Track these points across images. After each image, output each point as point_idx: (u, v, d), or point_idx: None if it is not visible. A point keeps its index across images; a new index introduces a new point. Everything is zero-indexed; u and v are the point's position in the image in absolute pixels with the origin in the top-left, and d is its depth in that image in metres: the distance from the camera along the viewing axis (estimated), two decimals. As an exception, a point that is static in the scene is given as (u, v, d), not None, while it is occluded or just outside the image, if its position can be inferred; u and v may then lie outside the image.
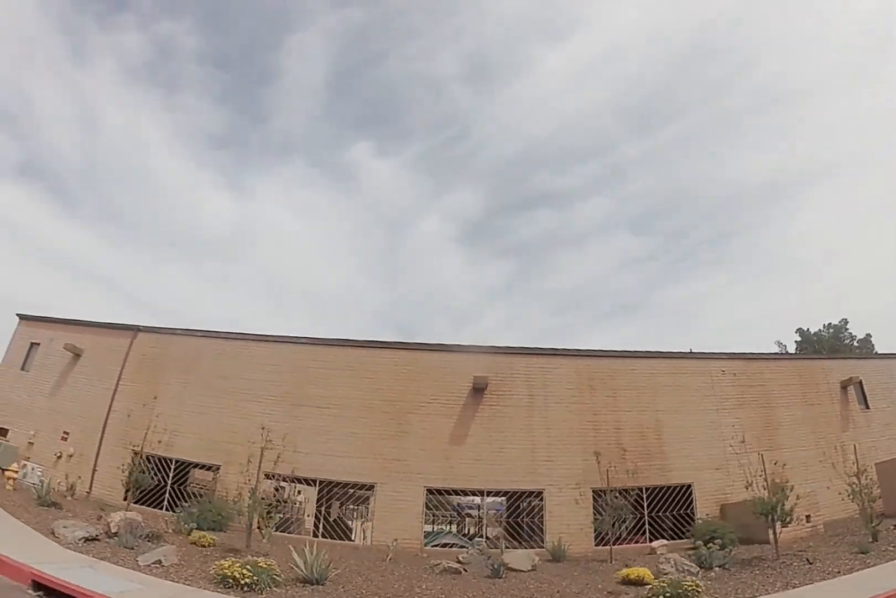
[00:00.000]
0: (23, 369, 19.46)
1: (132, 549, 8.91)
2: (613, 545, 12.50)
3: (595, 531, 14.03)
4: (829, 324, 27.26)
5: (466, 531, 22.01)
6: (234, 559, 7.90)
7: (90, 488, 16.29)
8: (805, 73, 76.47)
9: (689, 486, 15.30)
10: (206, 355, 17.45)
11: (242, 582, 7.00)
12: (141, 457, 13.72)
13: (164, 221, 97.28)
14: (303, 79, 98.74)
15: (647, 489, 15.05)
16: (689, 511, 14.98)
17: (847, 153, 74.13)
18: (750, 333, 70.41)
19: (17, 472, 14.91)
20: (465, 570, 10.28)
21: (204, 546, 10.27)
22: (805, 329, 27.47)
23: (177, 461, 16.51)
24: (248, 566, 7.28)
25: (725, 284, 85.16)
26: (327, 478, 15.59)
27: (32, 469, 16.94)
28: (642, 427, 16.03)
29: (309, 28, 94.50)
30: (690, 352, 18.83)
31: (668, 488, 15.27)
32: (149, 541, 9.78)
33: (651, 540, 14.26)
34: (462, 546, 15.26)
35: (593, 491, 14.70)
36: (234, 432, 15.96)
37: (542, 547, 13.81)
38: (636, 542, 14.33)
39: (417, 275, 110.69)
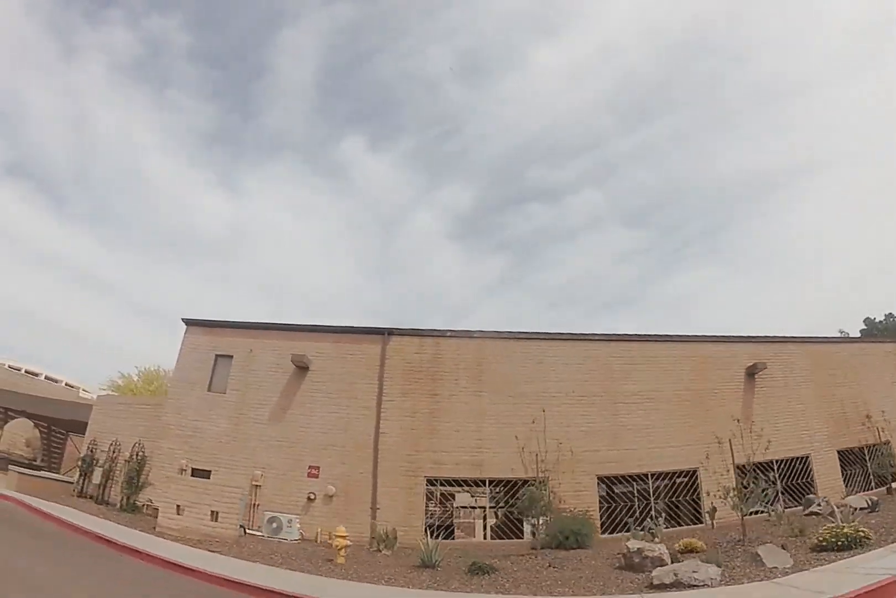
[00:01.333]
0: (211, 389, 14.69)
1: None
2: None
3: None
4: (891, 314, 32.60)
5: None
6: None
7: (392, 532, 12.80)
8: (799, 68, 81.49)
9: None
10: (495, 357, 15.09)
11: None
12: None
13: (157, 222, 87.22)
14: (294, 76, 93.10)
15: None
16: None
17: (840, 147, 79.28)
18: (751, 323, 75.88)
19: (341, 535, 10.11)
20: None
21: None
22: (872, 318, 32.60)
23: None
24: None
25: (721, 277, 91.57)
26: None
27: (290, 521, 12.89)
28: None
29: (300, 25, 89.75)
30: None
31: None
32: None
33: None
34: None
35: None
36: (558, 442, 14.06)
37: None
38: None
39: (412, 271, 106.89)
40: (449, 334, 15.39)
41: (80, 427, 17.85)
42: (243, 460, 13.89)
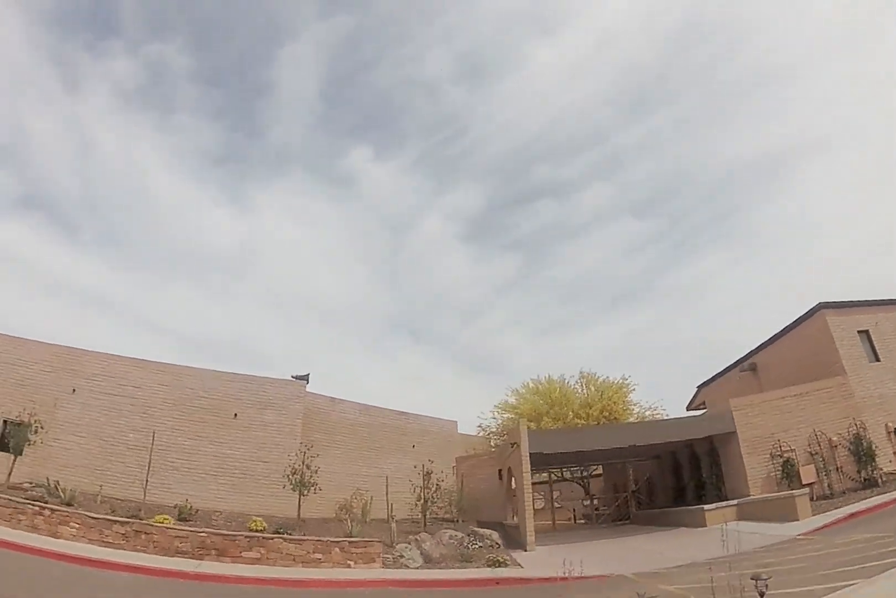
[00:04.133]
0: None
1: None
2: None
3: None
4: None
5: None
6: None
7: None
8: (796, 47, 78.08)
9: None
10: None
11: None
12: None
13: (167, 243, 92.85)
14: (296, 89, 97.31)
15: None
16: None
17: (843, 124, 78.37)
18: (761, 310, 73.95)
19: None
20: None
21: None
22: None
23: None
24: None
25: (731, 264, 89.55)
26: None
27: None
28: None
29: (299, 38, 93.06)
30: None
31: None
32: None
33: None
34: None
35: None
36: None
37: None
38: None
39: (424, 276, 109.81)
40: None
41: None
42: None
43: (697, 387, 28.00)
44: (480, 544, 13.11)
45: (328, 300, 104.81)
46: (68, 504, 11.60)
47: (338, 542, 11.32)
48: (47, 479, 12.78)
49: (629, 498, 22.51)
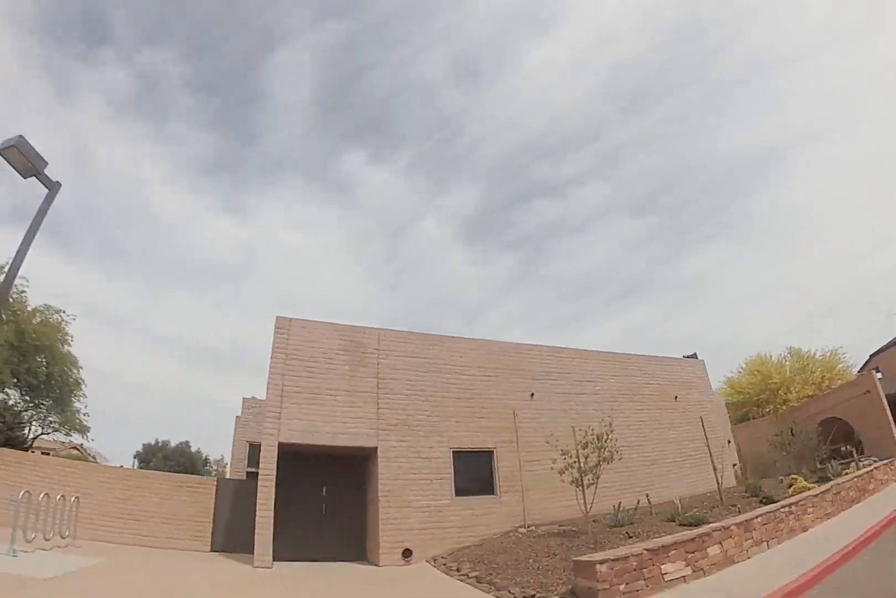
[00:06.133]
0: None
1: None
2: None
3: None
4: None
5: None
6: None
7: None
8: (792, 38, 79.85)
9: None
10: None
11: None
12: None
13: (166, 252, 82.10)
14: (291, 96, 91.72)
15: None
16: None
17: (839, 115, 78.18)
18: (763, 303, 77.27)
19: None
20: None
21: None
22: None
23: None
24: None
25: (732, 255, 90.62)
26: None
27: None
28: None
29: (293, 45, 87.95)
30: None
31: None
32: None
33: None
34: None
35: None
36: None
37: None
38: None
39: (425, 277, 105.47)
40: None
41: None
42: None
43: (870, 355, 29.90)
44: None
45: (327, 302, 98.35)
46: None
47: None
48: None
49: None
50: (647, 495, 11.59)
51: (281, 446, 10.24)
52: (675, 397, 15.06)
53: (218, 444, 61.25)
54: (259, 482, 9.94)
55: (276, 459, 10.08)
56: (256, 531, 9.50)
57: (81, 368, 17.65)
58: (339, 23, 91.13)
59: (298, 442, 10.42)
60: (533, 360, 13.41)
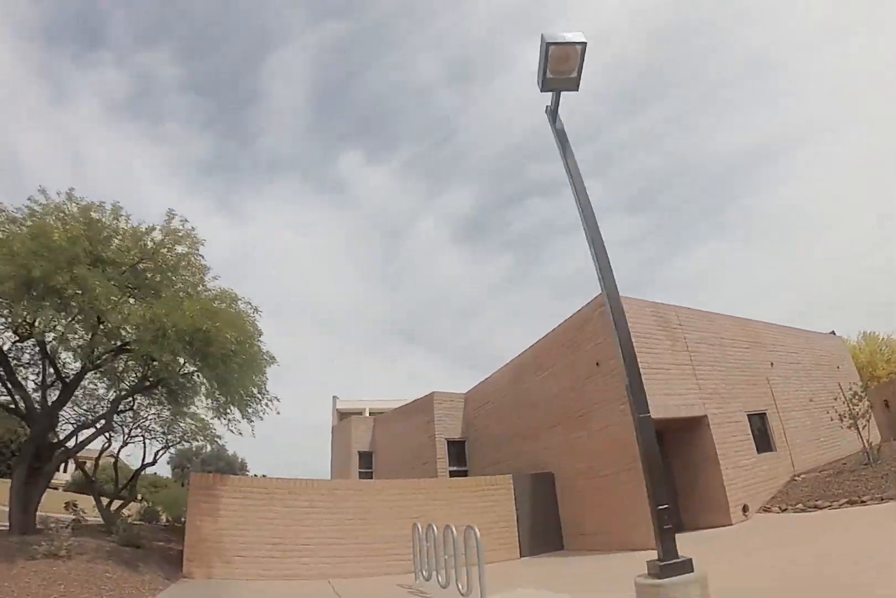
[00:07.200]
0: None
1: None
2: None
3: None
4: None
5: None
6: None
7: None
8: (786, 38, 77.69)
9: None
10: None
11: None
12: None
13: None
14: (287, 97, 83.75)
15: None
16: None
17: (838, 115, 77.97)
18: (764, 301, 79.01)
19: None
20: None
21: None
22: None
23: None
24: None
25: (728, 252, 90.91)
26: None
27: None
28: None
29: (289, 46, 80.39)
30: None
31: None
32: None
33: None
34: None
35: None
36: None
37: None
38: None
39: (419, 278, 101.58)
40: None
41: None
42: None
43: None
44: None
45: (322, 303, 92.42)
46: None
47: None
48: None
49: None
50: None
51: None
52: (838, 367, 17.62)
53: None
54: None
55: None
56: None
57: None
58: (335, 24, 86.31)
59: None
60: (770, 334, 15.24)
